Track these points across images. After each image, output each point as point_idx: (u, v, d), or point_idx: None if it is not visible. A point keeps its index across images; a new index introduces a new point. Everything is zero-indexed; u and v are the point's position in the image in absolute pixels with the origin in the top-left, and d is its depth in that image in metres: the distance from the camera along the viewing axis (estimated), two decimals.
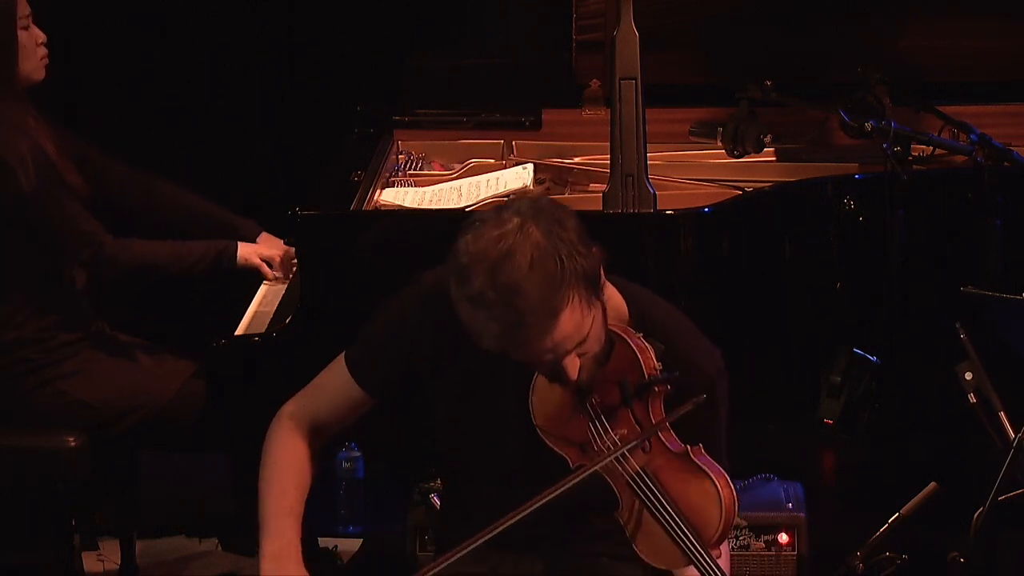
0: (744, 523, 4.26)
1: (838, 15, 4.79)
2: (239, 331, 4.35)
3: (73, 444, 4.23)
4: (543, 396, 3.01)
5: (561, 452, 2.99)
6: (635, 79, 4.17)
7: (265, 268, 4.47)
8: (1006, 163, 4.36)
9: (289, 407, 3.18)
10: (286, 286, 4.50)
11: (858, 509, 4.47)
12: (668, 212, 4.21)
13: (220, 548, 5.12)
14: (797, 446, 4.75)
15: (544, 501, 2.92)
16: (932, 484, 3.81)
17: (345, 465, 4.97)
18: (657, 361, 2.96)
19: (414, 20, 5.62)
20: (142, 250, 4.35)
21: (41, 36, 4.31)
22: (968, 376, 3.72)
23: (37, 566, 4.35)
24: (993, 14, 4.78)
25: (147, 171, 4.61)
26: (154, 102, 5.67)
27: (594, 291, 2.88)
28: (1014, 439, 3.65)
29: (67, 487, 4.27)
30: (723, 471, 2.96)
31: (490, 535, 2.93)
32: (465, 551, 2.94)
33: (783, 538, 4.26)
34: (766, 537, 4.26)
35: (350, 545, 4.90)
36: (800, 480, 4.37)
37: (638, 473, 2.94)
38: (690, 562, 2.92)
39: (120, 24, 5.59)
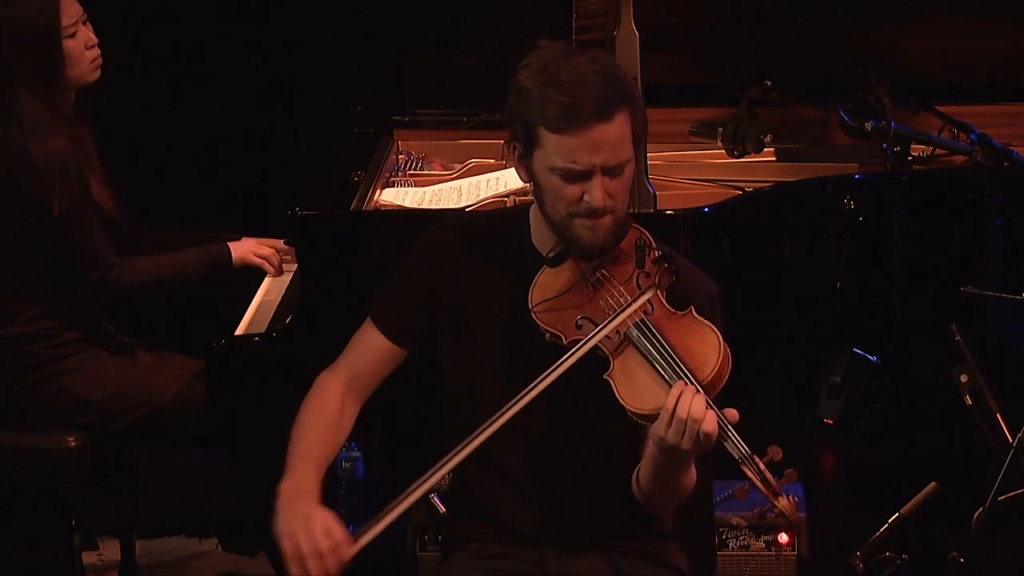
0: (744, 523, 4.26)
1: (838, 15, 4.79)
2: (239, 330, 4.35)
3: (73, 444, 4.24)
4: (546, 281, 3.11)
5: (556, 332, 3.06)
6: (635, 79, 4.17)
7: (262, 263, 4.47)
8: (1006, 163, 4.36)
9: (325, 371, 3.27)
10: (288, 282, 4.50)
11: (858, 509, 4.47)
12: (668, 212, 4.21)
13: (220, 548, 5.12)
14: (797, 446, 4.74)
15: (553, 376, 3.01)
16: (932, 484, 3.81)
17: (345, 465, 4.96)
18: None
19: (414, 20, 5.62)
20: (143, 268, 4.36)
21: (92, 39, 4.33)
22: (964, 379, 3.72)
23: (37, 566, 4.35)
24: (993, 14, 4.77)
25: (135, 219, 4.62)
26: (154, 102, 5.67)
27: (639, 140, 3.07)
28: (1014, 439, 3.65)
29: (67, 487, 4.27)
30: None
31: (495, 424, 3.01)
32: (469, 446, 3.02)
33: (783, 538, 4.26)
34: (766, 537, 4.26)
35: None
36: (800, 480, 4.37)
37: (638, 324, 3.01)
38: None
39: (120, 23, 5.59)
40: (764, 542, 4.27)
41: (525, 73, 3.05)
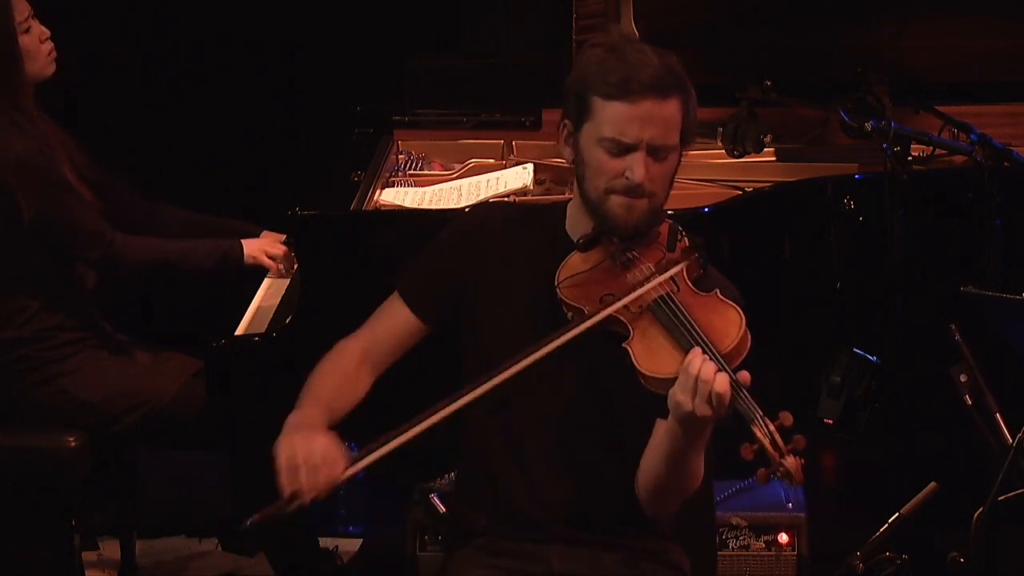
0: (744, 523, 4.26)
1: (838, 15, 4.79)
2: (239, 330, 4.35)
3: (73, 444, 4.23)
4: (575, 262, 3.11)
5: (579, 306, 3.06)
6: None
7: (271, 264, 4.48)
8: (1006, 163, 4.36)
9: (345, 338, 3.28)
10: (288, 282, 4.50)
11: (858, 509, 4.47)
12: (668, 212, 4.19)
13: (220, 548, 5.12)
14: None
15: (565, 338, 3.00)
16: (932, 484, 3.81)
17: None
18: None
19: (414, 20, 5.62)
20: (151, 248, 4.36)
21: (45, 33, 4.33)
22: (963, 378, 3.72)
23: (37, 566, 4.35)
24: (993, 14, 4.77)
25: (148, 195, 4.62)
26: (154, 102, 5.67)
27: (686, 137, 3.10)
28: (1014, 439, 3.65)
29: (67, 487, 4.27)
30: None
31: (502, 375, 3.00)
32: (475, 391, 3.01)
33: (783, 538, 4.27)
34: (766, 537, 4.27)
35: (350, 545, 4.90)
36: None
37: (662, 298, 3.02)
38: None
39: (120, 23, 5.60)
40: (764, 542, 4.27)
41: (591, 52, 3.10)
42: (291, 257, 4.47)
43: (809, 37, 4.78)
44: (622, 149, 3.05)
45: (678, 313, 3.00)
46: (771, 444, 2.88)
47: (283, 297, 4.47)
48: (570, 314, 3.07)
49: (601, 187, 3.07)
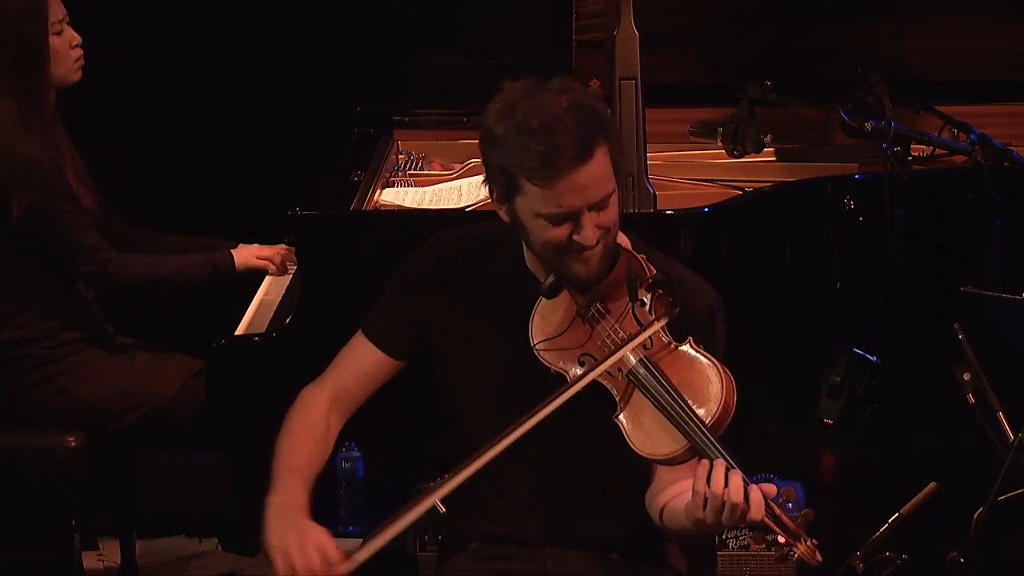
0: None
1: (838, 15, 4.79)
2: (240, 330, 4.36)
3: (73, 444, 4.24)
4: (545, 313, 3.06)
5: (560, 370, 3.02)
6: (635, 79, 4.17)
7: (266, 265, 4.48)
8: (1006, 163, 4.36)
9: (310, 385, 3.22)
10: (288, 281, 4.50)
11: (858, 509, 4.47)
12: (668, 212, 4.21)
13: (220, 548, 5.12)
14: (797, 446, 4.75)
15: (547, 411, 2.96)
16: (932, 484, 3.80)
17: (345, 465, 4.97)
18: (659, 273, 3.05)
19: (414, 20, 5.62)
20: (147, 266, 4.36)
21: (76, 38, 4.33)
22: (966, 377, 3.72)
23: (37, 566, 4.35)
24: (993, 14, 4.77)
25: (147, 197, 4.62)
26: (154, 102, 5.67)
27: (618, 167, 3.01)
28: (1014, 439, 3.65)
29: (67, 487, 4.27)
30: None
31: (489, 453, 2.96)
32: (468, 470, 2.98)
33: (783, 538, 4.26)
34: (766, 537, 4.27)
35: (350, 545, 4.87)
36: (800, 480, 4.37)
37: (641, 361, 2.97)
38: (689, 442, 2.91)
39: (120, 24, 5.60)
40: (764, 542, 4.27)
41: (494, 117, 2.99)
42: (290, 255, 4.47)
43: (809, 37, 4.78)
44: (564, 218, 2.96)
45: (659, 384, 2.95)
46: (782, 529, 2.88)
47: (283, 297, 4.47)
48: (553, 370, 3.03)
49: (551, 252, 3.00)
